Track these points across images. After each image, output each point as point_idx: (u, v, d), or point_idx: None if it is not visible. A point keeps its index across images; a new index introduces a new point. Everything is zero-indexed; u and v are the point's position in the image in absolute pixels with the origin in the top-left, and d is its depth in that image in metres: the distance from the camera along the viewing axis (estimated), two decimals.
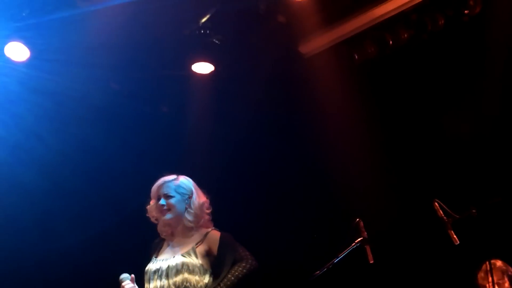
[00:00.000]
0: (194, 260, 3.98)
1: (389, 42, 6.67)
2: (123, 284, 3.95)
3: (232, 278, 3.92)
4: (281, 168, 7.37)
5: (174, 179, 4.28)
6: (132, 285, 3.96)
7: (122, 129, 7.31)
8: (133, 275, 4.01)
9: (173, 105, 7.64)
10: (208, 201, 4.31)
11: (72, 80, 6.97)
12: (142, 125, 7.47)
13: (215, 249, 4.03)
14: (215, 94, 7.34)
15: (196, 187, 4.32)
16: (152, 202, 4.25)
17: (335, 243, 4.85)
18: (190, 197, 4.21)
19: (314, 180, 7.18)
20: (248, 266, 3.98)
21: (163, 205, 4.15)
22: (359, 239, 4.64)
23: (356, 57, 6.84)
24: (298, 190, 7.26)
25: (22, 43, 6.47)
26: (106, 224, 7.07)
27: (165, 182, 4.26)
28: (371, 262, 4.57)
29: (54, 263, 7.11)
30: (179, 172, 4.52)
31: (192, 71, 7.04)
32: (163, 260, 4.04)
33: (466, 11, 6.27)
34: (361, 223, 4.72)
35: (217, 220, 4.48)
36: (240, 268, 3.95)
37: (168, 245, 4.20)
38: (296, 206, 7.21)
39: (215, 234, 4.12)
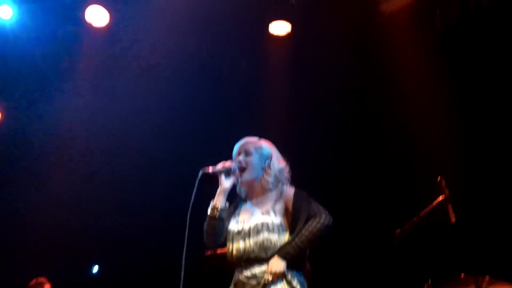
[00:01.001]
0: (273, 219, 3.98)
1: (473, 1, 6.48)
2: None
3: (307, 233, 3.88)
4: (359, 127, 7.30)
5: (256, 140, 4.31)
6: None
7: (200, 92, 7.38)
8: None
9: (250, 67, 7.64)
10: (288, 166, 4.30)
11: (152, 44, 7.07)
12: (220, 87, 7.51)
13: (290, 205, 4.02)
14: (292, 55, 7.32)
15: (277, 151, 4.30)
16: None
17: (417, 202, 4.82)
18: (270, 159, 4.21)
19: (394, 140, 7.10)
20: (322, 221, 3.92)
21: (241, 161, 4.18)
22: (441, 198, 4.59)
23: (438, 13, 6.67)
24: (377, 150, 7.20)
25: (102, 7, 6.60)
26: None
27: (247, 142, 4.29)
28: (453, 221, 4.50)
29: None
30: (256, 133, 4.52)
31: (269, 32, 7.03)
32: (244, 221, 4.06)
33: None
34: (443, 182, 4.66)
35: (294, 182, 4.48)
36: (315, 223, 3.91)
37: (248, 204, 4.20)
38: (375, 166, 7.16)
39: (290, 191, 4.09)
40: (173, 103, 7.29)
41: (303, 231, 3.90)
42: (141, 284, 7.34)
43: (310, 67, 7.41)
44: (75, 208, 7.43)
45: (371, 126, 7.24)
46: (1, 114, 7.27)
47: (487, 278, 4.86)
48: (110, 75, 7.27)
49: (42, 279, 6.07)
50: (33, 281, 6.05)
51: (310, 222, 3.92)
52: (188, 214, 3.96)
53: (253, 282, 3.90)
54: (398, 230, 4.62)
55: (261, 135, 4.49)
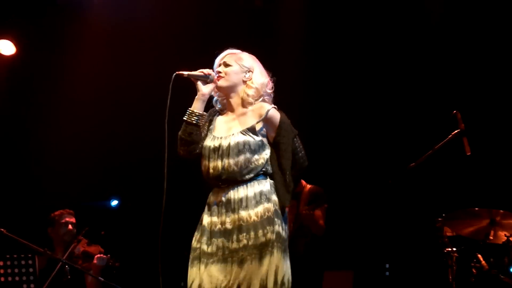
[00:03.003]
0: (255, 138, 3.83)
1: None
2: None
3: (294, 173, 3.85)
4: (373, 57, 7.22)
5: (238, 52, 4.07)
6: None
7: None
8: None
9: None
10: (271, 83, 4.03)
11: None
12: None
13: (274, 129, 3.85)
14: None
15: (261, 65, 4.05)
16: None
17: (432, 135, 4.83)
18: (251, 71, 3.97)
19: (410, 72, 7.04)
20: (305, 163, 3.86)
21: (219, 72, 3.96)
22: (456, 131, 4.60)
23: None
24: (392, 83, 7.15)
25: None
26: None
27: (227, 54, 4.05)
28: (468, 154, 4.52)
29: None
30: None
31: None
32: (222, 138, 3.89)
33: None
34: (459, 115, 4.66)
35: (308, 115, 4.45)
36: (298, 166, 3.84)
37: (224, 119, 4.01)
38: (391, 99, 7.12)
39: (275, 115, 3.88)
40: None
41: (293, 171, 3.85)
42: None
43: None
44: (95, 141, 7.43)
45: (386, 57, 7.16)
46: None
47: (501, 211, 4.91)
48: None
49: (68, 210, 6.10)
50: (58, 212, 6.06)
51: (295, 164, 3.89)
52: (166, 120, 3.81)
53: (229, 207, 3.80)
54: (412, 164, 4.64)
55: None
